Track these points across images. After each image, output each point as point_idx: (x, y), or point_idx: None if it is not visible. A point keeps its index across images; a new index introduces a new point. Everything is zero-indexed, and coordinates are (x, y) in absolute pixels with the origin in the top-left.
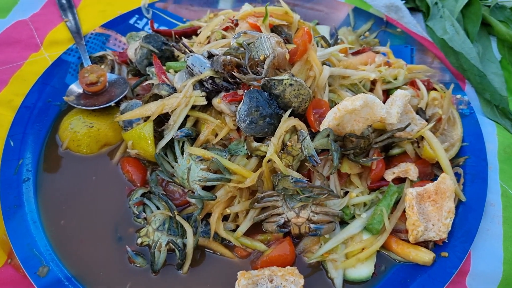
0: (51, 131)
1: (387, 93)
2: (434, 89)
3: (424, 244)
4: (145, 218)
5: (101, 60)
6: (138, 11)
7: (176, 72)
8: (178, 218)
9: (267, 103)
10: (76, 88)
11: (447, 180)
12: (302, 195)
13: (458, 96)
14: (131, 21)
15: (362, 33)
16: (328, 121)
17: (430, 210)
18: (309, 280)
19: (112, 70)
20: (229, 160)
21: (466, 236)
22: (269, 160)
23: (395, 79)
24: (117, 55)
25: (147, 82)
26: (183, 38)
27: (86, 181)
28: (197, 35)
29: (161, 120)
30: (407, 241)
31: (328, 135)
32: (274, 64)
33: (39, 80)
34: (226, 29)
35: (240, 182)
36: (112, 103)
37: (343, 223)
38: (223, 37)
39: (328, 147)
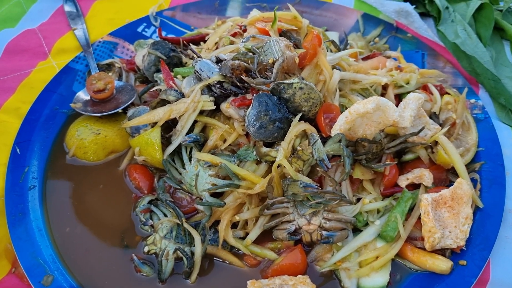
0: (58, 139)
1: (399, 98)
2: (447, 93)
3: (441, 252)
4: (152, 226)
5: (108, 67)
6: (146, 19)
7: (184, 77)
8: (185, 225)
9: (276, 107)
10: (83, 95)
11: (463, 185)
12: (312, 201)
13: (472, 100)
14: (139, 29)
15: (371, 39)
16: (340, 125)
17: (447, 217)
18: None
19: (120, 78)
20: (238, 165)
21: (484, 243)
22: (278, 166)
23: (407, 83)
24: (124, 63)
25: (154, 88)
26: (191, 44)
27: (92, 189)
28: (205, 41)
29: (169, 126)
30: (423, 249)
31: (340, 141)
32: (284, 68)
33: (47, 88)
34: (234, 35)
35: (250, 188)
36: (119, 110)
37: (356, 231)
38: (231, 43)
39: (340, 153)
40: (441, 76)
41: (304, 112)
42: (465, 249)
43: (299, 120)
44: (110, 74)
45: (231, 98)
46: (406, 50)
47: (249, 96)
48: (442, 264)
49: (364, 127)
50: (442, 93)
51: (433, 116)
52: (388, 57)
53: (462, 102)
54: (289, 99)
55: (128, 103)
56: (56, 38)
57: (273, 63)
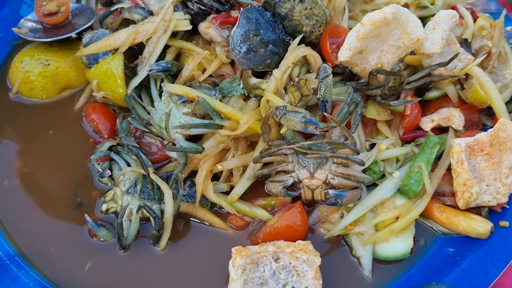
0: (0, 73)
1: None
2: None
3: (476, 211)
4: (111, 178)
5: None
6: None
7: None
8: (153, 177)
9: (270, 26)
10: (31, 19)
11: (508, 127)
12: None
13: (509, 28)
14: None
15: None
16: (349, 43)
17: (484, 167)
18: (327, 259)
19: (78, 0)
20: (221, 101)
21: None
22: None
23: (432, 4)
24: None
25: (117, 6)
26: None
27: (40, 133)
28: None
29: (135, 54)
30: (454, 207)
31: (343, 79)
32: None
33: None
34: None
35: (235, 129)
36: (73, 34)
37: (371, 185)
38: None
39: (345, 98)
40: None
41: (305, 34)
42: (507, 207)
43: (299, 43)
44: None
45: (211, 16)
46: None
47: (234, 14)
48: (479, 226)
49: (379, 54)
50: (474, 18)
51: (464, 44)
52: None
53: (500, 27)
54: (286, 15)
55: (85, 27)
56: None
57: None
